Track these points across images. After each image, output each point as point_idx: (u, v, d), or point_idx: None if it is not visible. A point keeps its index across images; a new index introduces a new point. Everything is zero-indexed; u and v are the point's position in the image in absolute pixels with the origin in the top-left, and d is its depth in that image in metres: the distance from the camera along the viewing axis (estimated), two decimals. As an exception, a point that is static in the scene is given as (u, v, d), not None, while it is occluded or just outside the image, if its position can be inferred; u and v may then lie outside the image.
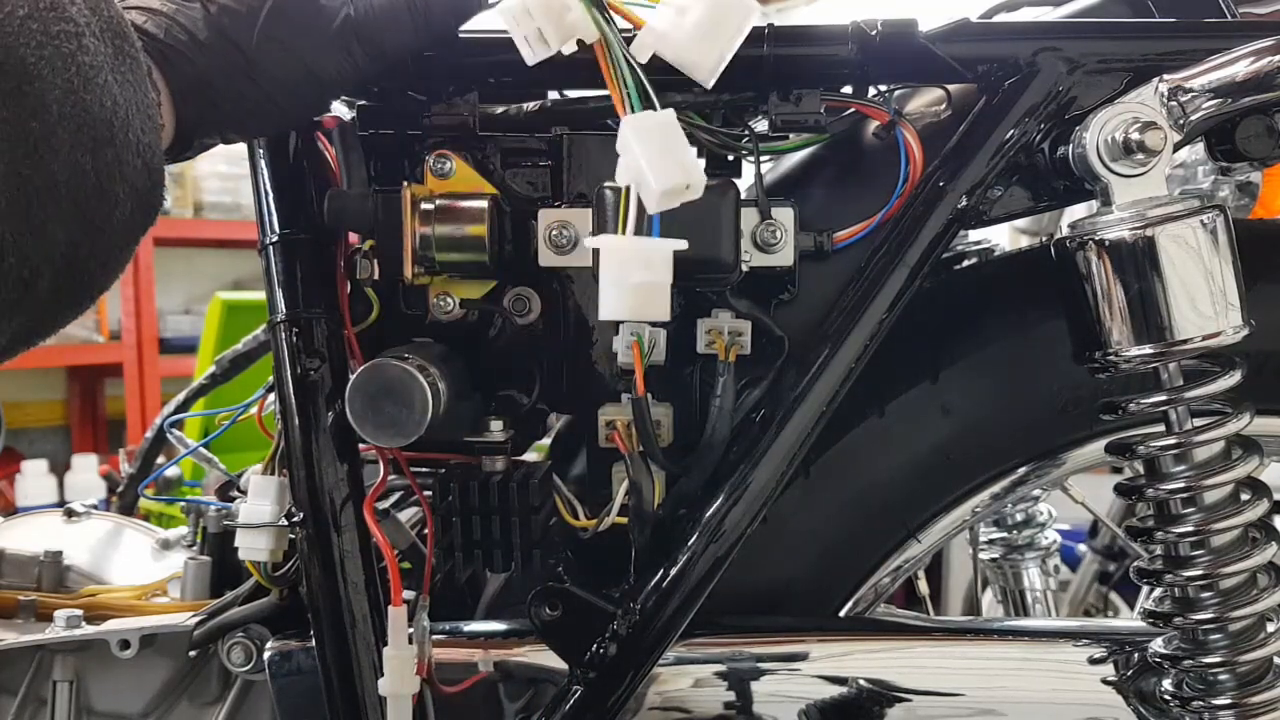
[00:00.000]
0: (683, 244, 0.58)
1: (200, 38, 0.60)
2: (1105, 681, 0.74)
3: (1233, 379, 0.65)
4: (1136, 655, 0.73)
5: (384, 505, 0.88)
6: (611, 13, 0.61)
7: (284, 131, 0.76)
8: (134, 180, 0.55)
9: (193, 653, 0.82)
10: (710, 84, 0.63)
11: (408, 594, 0.77)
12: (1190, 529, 0.65)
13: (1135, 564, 0.70)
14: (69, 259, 0.53)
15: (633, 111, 0.59)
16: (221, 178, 3.64)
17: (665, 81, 0.70)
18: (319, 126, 0.75)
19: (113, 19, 0.55)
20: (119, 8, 0.56)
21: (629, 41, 0.61)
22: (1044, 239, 0.85)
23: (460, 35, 0.70)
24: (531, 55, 0.61)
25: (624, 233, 0.57)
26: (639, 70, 0.59)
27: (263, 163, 0.76)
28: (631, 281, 0.56)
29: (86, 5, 0.53)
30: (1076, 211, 0.73)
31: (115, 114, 0.53)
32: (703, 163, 0.57)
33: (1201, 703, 0.66)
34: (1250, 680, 0.66)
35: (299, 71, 0.63)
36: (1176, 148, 0.65)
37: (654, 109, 0.59)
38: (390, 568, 0.70)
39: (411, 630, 0.72)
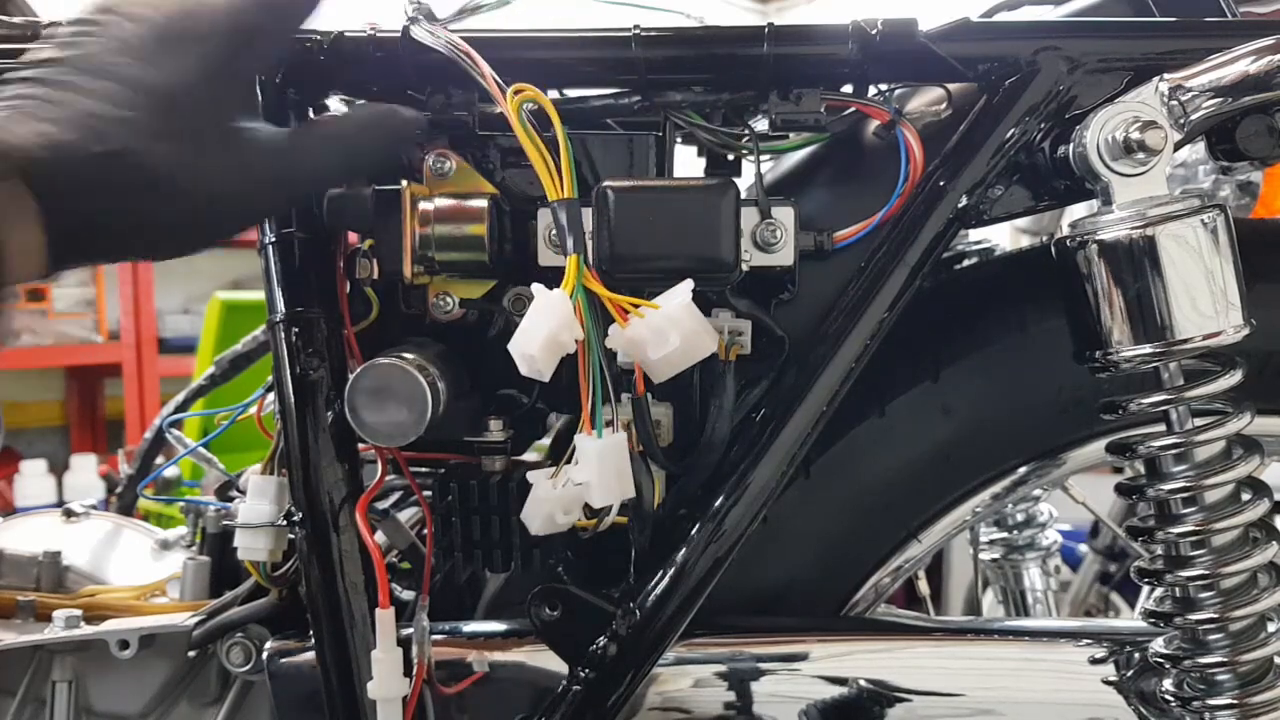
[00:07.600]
0: (614, 498, 0.64)
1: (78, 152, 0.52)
2: (1106, 682, 0.74)
3: (1233, 378, 0.65)
4: (1137, 655, 0.73)
5: (384, 505, 0.88)
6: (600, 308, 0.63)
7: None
8: None
9: (192, 653, 0.82)
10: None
11: (408, 594, 0.77)
12: (1191, 529, 0.65)
13: (1136, 564, 0.70)
14: None
15: (595, 431, 0.63)
16: (221, 178, 3.62)
17: (665, 81, 0.70)
18: None
19: None
20: None
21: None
22: (1044, 239, 0.85)
23: (459, 35, 0.70)
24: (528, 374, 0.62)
25: (557, 486, 0.65)
26: (609, 381, 0.63)
27: (262, 162, 0.76)
28: (555, 521, 0.65)
29: None
30: (1077, 211, 0.72)
31: None
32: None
33: (1202, 703, 0.66)
34: (1251, 680, 0.66)
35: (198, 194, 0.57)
36: (1177, 147, 0.64)
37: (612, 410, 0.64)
38: (378, 570, 0.70)
39: (410, 631, 0.72)
